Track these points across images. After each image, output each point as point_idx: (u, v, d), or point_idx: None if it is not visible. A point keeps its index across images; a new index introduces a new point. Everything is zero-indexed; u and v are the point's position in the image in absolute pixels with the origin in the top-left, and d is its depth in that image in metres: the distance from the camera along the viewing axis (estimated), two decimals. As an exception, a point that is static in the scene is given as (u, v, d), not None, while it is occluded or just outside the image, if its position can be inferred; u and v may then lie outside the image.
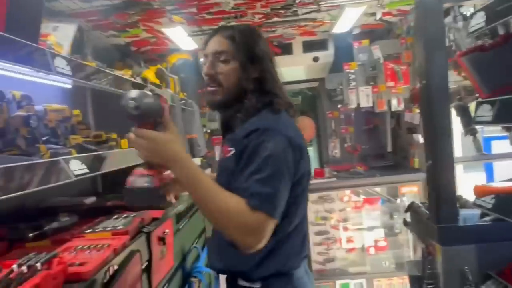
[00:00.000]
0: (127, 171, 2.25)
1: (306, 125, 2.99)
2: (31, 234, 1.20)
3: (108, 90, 1.70)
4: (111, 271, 1.03)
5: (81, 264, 0.94)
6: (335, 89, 3.30)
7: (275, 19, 2.50)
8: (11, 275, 0.73)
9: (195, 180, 0.94)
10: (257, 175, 0.95)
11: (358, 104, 2.86)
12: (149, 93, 0.94)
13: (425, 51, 1.27)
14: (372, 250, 3.12)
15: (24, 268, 0.76)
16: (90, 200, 1.75)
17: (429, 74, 1.27)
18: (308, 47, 3.02)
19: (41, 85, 1.55)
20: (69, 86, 1.88)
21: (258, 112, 1.08)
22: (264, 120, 1.06)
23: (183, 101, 2.70)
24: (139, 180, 0.96)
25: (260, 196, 0.93)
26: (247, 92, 1.09)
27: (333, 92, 3.41)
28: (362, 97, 2.79)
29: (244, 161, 1.00)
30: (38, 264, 0.78)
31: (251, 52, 1.09)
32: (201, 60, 1.21)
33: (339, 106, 3.52)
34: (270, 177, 0.95)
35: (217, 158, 3.81)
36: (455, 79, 1.43)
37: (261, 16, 2.41)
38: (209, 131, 3.70)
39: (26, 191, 0.94)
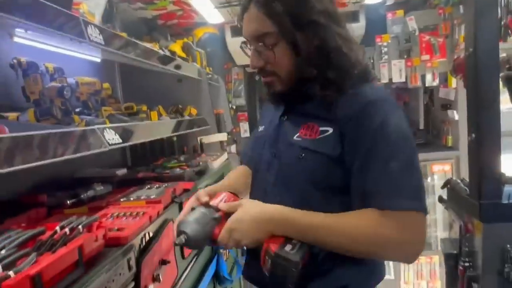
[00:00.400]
0: (154, 144, 2.28)
1: None
2: (69, 201, 1.23)
3: (137, 63, 1.69)
4: (146, 238, 1.05)
5: (119, 230, 0.95)
6: (365, 64, 3.18)
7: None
8: (55, 236, 0.75)
9: (303, 224, 0.77)
10: (393, 163, 0.75)
11: (390, 79, 2.75)
12: (192, 216, 0.81)
13: (474, 15, 1.18)
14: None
15: (66, 230, 0.77)
16: (122, 171, 1.78)
17: (478, 41, 1.18)
18: (338, 19, 2.89)
19: (71, 58, 1.56)
20: (98, 60, 1.88)
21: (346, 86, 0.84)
22: (370, 90, 0.83)
23: (209, 76, 2.67)
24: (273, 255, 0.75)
25: (407, 192, 0.75)
26: (315, 69, 0.84)
27: (362, 67, 3.30)
28: (394, 71, 2.67)
29: (366, 146, 0.77)
30: (80, 227, 0.80)
31: (299, 20, 0.82)
32: (242, 44, 0.94)
33: (368, 82, 3.40)
34: (409, 164, 0.76)
35: (243, 135, 3.80)
36: (503, 47, 1.33)
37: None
38: (234, 107, 3.68)
39: (63, 158, 0.96)
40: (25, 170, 1.40)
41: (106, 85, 1.77)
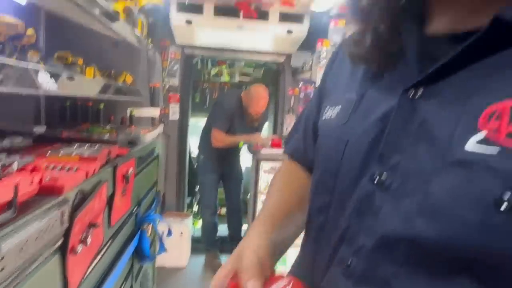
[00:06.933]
0: (76, 107, 2.07)
1: (259, 95, 2.98)
2: (-21, 148, 1.05)
3: (69, 13, 1.51)
4: (80, 195, 0.95)
5: (52, 180, 0.84)
6: (302, 67, 3.35)
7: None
8: (-16, 171, 0.63)
9: None
10: None
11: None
12: None
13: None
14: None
15: (-3, 167, 0.66)
16: (40, 128, 1.58)
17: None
18: (284, 17, 2.99)
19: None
20: (23, 3, 1.63)
21: None
22: None
23: (148, 47, 2.53)
24: None
25: None
26: None
27: (298, 70, 3.47)
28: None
29: None
30: (14, 166, 0.69)
31: None
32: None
33: (300, 84, 3.60)
34: None
35: (171, 118, 3.67)
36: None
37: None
38: (167, 86, 3.54)
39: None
40: None
41: (30, 31, 1.54)
